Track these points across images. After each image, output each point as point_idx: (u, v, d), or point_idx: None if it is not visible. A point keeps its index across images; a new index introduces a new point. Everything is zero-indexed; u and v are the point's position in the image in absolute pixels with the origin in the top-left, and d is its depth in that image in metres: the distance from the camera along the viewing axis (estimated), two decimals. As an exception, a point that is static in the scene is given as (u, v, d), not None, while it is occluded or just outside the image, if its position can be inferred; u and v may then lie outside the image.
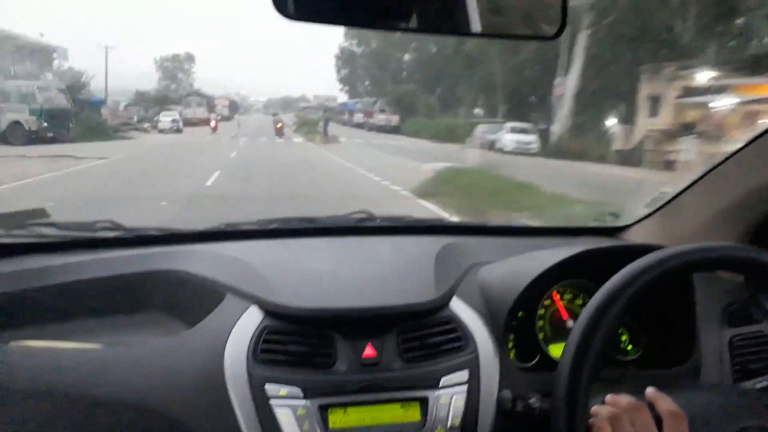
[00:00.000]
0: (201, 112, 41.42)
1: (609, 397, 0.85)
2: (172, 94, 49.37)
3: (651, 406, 0.84)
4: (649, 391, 0.86)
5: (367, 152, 23.26)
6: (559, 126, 24.74)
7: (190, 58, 66.83)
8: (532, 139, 23.97)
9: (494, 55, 32.40)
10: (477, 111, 42.21)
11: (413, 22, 0.89)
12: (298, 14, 0.86)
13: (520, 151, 23.43)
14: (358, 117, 45.32)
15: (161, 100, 44.23)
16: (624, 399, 0.83)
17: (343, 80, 60.46)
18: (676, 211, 1.55)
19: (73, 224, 1.46)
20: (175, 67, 65.62)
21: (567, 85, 24.30)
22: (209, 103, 45.37)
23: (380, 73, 54.37)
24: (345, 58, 58.97)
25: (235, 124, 31.40)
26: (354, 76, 59.98)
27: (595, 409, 0.83)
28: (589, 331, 0.82)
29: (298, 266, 1.34)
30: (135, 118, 32.86)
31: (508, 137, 24.12)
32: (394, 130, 39.13)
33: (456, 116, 40.52)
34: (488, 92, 37.17)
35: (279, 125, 29.64)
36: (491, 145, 26.20)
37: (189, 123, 38.18)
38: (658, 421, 0.81)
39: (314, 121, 37.45)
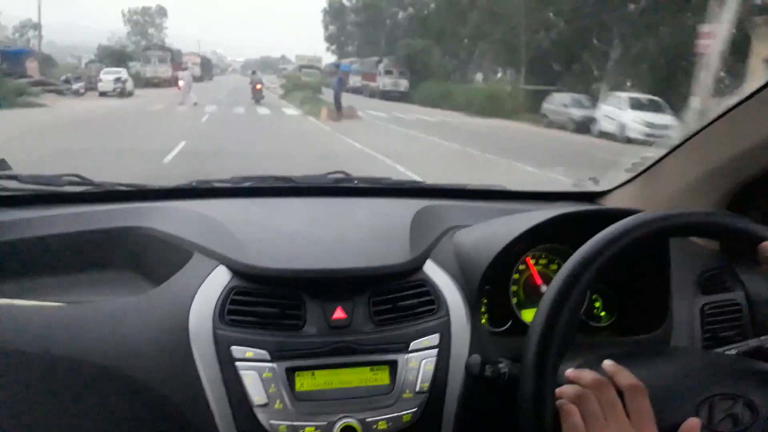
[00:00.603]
0: (164, 71, 32.68)
1: (570, 372, 0.80)
2: (137, 49, 40.03)
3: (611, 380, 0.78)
4: (607, 363, 0.79)
5: (424, 141, 13.24)
6: (701, 98, 14.67)
7: (161, 11, 59.84)
8: (668, 121, 14.31)
9: (519, 7, 25.49)
10: (478, 76, 34.18)
11: None
12: None
13: (653, 138, 13.59)
14: (355, 80, 35.95)
15: (118, 56, 36.17)
16: (588, 375, 0.77)
17: (330, 38, 54.03)
18: (656, 177, 1.46)
19: (37, 177, 1.30)
20: (145, 21, 58.12)
21: (716, 36, 14.27)
22: (174, 59, 35.10)
23: (374, 29, 45.54)
24: (334, 13, 53.01)
25: (184, 87, 21.72)
26: (343, 33, 52.97)
27: (559, 390, 0.77)
28: (560, 296, 0.77)
29: (270, 226, 1.22)
30: (63, 78, 23.89)
31: (632, 116, 14.40)
32: (401, 97, 29.72)
33: (471, 81, 32.31)
34: (509, 53, 29.23)
35: (258, 86, 22.47)
36: (580, 126, 16.66)
37: (149, 83, 30.73)
38: (620, 394, 0.75)
39: (313, 84, 26.97)
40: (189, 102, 19.53)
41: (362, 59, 38.03)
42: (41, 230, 1.16)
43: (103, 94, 22.48)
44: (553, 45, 26.45)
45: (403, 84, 31.16)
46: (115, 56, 35.17)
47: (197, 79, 39.53)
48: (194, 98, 19.75)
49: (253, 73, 25.93)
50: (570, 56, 26.61)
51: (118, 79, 23.21)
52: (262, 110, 18.97)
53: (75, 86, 22.13)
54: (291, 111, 19.77)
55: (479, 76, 35.01)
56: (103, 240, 1.18)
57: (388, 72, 31.66)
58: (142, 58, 34.30)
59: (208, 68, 51.56)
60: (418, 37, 34.61)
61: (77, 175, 1.34)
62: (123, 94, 22.68)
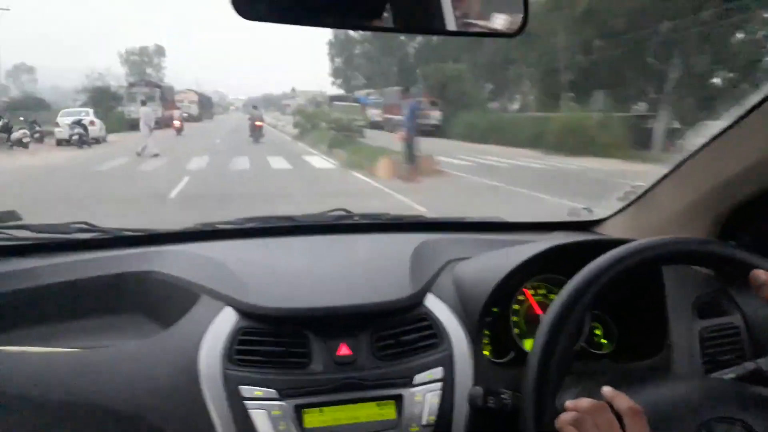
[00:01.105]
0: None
1: (569, 403, 0.78)
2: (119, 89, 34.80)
3: (610, 405, 0.78)
4: (605, 390, 0.79)
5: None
6: None
7: (159, 50, 55.66)
8: None
9: (557, 27, 20.75)
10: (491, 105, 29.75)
11: (377, 21, 0.82)
12: (257, 14, 0.76)
13: None
14: (373, 113, 29.92)
15: (101, 95, 30.27)
16: (585, 401, 0.76)
17: (336, 72, 49.57)
18: (649, 204, 1.42)
19: (47, 226, 1.30)
20: (143, 61, 53.89)
21: None
22: (165, 96, 28.54)
23: (383, 59, 42.29)
24: (340, 45, 47.76)
25: (144, 130, 15.76)
26: (350, 65, 48.83)
27: (558, 419, 0.77)
28: (556, 325, 0.77)
29: (274, 266, 1.23)
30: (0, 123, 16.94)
31: None
32: (434, 131, 23.46)
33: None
34: (546, 77, 24.03)
35: (258, 123, 19.25)
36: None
37: (136, 125, 24.15)
38: (619, 418, 0.75)
39: (348, 124, 19.88)
40: (148, 152, 14.02)
41: (381, 90, 31.57)
42: (54, 278, 1.15)
43: (61, 142, 16.50)
44: (598, 66, 21.72)
45: (435, 116, 24.76)
46: (97, 95, 29.73)
47: (194, 118, 33.21)
48: (152, 148, 14.32)
49: (254, 108, 20.63)
50: (617, 78, 21.42)
51: (75, 122, 16.73)
52: (278, 162, 12.53)
53: (16, 135, 15.42)
54: (320, 162, 13.32)
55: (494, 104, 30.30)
56: (113, 285, 1.16)
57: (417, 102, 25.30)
58: (126, 96, 28.31)
59: (207, 106, 45.85)
60: (450, 61, 28.31)
61: (86, 223, 1.33)
62: (83, 141, 16.43)
